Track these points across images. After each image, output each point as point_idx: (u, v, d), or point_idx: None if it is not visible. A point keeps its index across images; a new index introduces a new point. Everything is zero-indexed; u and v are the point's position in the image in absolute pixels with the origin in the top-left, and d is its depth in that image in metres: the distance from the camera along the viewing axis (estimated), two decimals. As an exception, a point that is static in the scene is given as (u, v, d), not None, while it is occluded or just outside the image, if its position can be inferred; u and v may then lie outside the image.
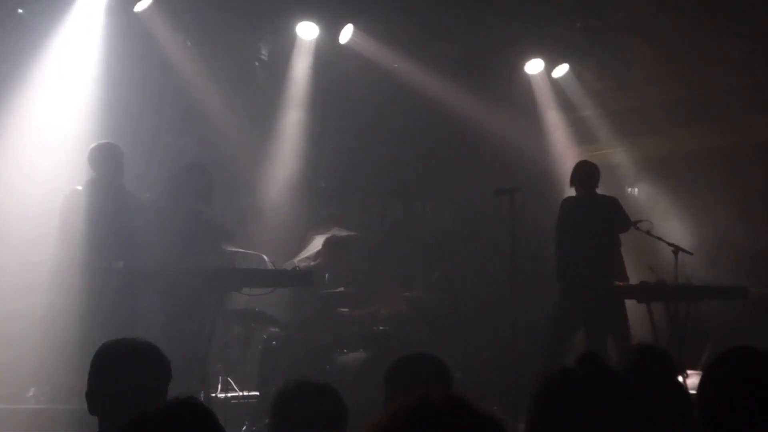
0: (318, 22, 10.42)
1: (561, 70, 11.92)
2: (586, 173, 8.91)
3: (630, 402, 3.68)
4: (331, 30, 10.54)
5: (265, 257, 9.40)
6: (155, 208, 8.39)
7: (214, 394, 7.96)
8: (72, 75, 9.36)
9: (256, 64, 10.57)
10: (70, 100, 9.30)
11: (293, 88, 10.97)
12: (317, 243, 9.97)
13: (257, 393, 8.63)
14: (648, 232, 9.26)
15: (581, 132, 12.84)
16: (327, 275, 9.47)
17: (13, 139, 8.97)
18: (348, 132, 11.41)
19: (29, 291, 8.64)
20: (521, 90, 12.12)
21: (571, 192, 9.12)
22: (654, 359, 4.22)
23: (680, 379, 4.35)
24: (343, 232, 10.37)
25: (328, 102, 11.21)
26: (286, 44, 10.65)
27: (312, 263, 9.77)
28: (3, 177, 8.83)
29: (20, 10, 9.04)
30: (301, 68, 10.90)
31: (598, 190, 9.06)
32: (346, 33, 10.61)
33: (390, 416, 2.00)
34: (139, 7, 9.34)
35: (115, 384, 3.46)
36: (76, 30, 9.35)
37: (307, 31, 10.50)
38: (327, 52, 10.81)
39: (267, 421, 3.63)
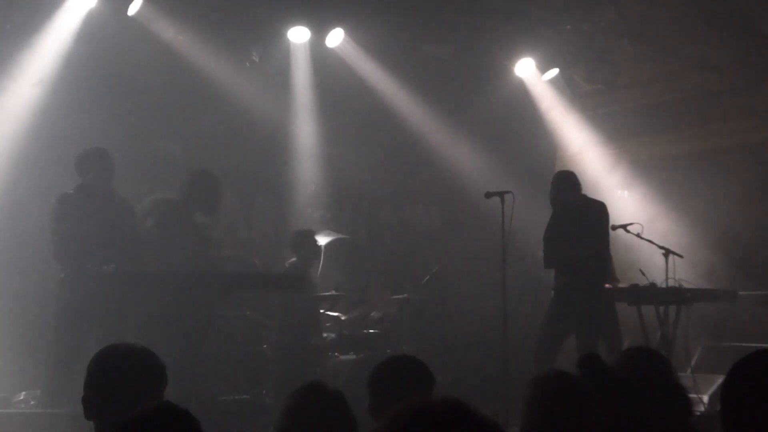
0: (309, 26, 10.42)
1: (551, 73, 11.94)
2: (570, 182, 8.87)
3: (630, 404, 3.68)
4: (321, 34, 10.55)
5: (257, 261, 9.41)
6: (164, 209, 8.32)
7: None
8: (57, 78, 9.35)
9: (247, 65, 10.56)
10: (54, 104, 9.29)
11: (283, 92, 10.96)
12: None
13: (247, 396, 8.61)
14: (638, 235, 9.28)
15: (570, 134, 12.86)
16: (316, 278, 9.48)
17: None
18: (338, 135, 11.40)
19: (19, 294, 8.65)
20: (511, 92, 12.14)
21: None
22: (650, 361, 4.22)
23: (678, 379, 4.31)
24: (334, 235, 10.37)
25: (319, 105, 11.21)
26: (276, 47, 10.64)
27: (289, 261, 9.75)
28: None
29: (8, 26, 9.03)
30: (292, 72, 10.90)
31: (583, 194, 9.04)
32: (336, 37, 10.61)
33: (391, 422, 2.00)
34: (132, 11, 9.32)
35: (111, 390, 3.45)
36: (62, 35, 9.34)
37: (299, 35, 10.50)
38: (318, 57, 10.82)
39: (278, 423, 3.59)
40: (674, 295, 8.76)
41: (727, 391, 3.01)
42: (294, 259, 9.45)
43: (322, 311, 9.48)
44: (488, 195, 8.44)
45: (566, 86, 12.42)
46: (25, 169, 9.04)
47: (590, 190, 9.16)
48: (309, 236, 9.65)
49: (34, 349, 8.00)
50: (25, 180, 9.03)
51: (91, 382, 3.54)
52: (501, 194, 8.36)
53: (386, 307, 10.00)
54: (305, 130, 11.21)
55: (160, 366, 3.59)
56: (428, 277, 10.57)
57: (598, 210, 8.82)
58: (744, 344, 9.10)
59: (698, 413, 8.02)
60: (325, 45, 10.69)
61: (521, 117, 12.41)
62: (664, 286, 8.90)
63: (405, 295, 10.10)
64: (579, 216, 8.67)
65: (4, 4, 9.03)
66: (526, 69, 11.89)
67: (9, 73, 9.13)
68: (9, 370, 8.28)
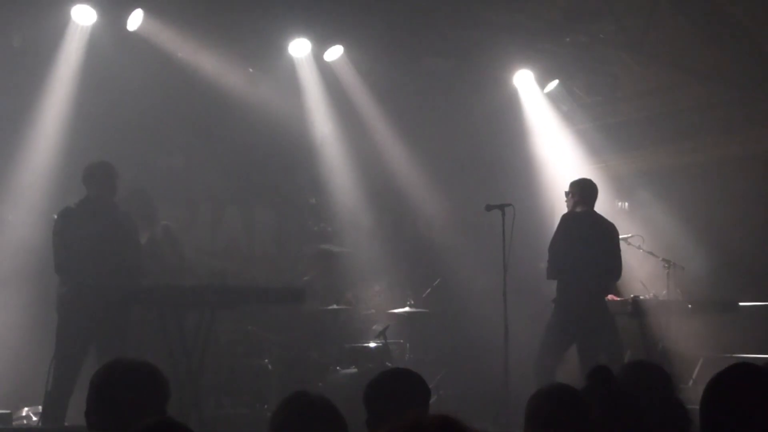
0: (310, 39, 10.42)
1: (551, 85, 11.96)
2: (587, 191, 8.85)
3: (635, 420, 3.68)
4: (322, 47, 10.55)
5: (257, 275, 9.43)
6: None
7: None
8: (62, 94, 9.41)
9: (250, 70, 10.59)
10: (58, 119, 9.34)
11: (284, 106, 10.97)
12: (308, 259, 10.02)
13: (249, 410, 8.61)
14: (639, 247, 9.28)
15: (571, 146, 12.87)
16: (321, 291, 9.50)
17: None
18: (337, 148, 11.42)
19: (22, 308, 8.66)
20: (510, 105, 12.16)
21: (564, 207, 9.09)
22: (650, 375, 4.23)
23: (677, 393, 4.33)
24: (335, 249, 10.38)
25: (319, 119, 11.24)
26: (278, 60, 10.65)
27: (304, 279, 9.80)
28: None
29: (15, 45, 9.11)
30: (292, 86, 10.92)
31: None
32: (334, 52, 10.62)
33: None
34: (132, 26, 9.34)
35: (114, 405, 3.45)
36: (68, 52, 9.39)
37: (300, 47, 10.49)
38: (318, 71, 10.84)
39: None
40: (675, 307, 8.77)
41: (706, 407, 3.07)
42: (307, 277, 9.55)
43: (323, 325, 9.49)
44: (489, 208, 8.44)
45: (566, 98, 12.44)
46: (30, 183, 9.09)
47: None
48: (335, 261, 9.83)
49: (36, 364, 7.99)
50: (28, 194, 9.06)
51: (94, 396, 3.53)
52: (501, 207, 8.36)
53: (387, 320, 10.00)
54: (305, 144, 11.22)
55: (163, 380, 3.59)
56: (429, 290, 10.57)
57: (609, 230, 8.80)
58: (745, 355, 9.10)
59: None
60: (323, 58, 10.71)
61: (521, 129, 12.42)
62: (665, 297, 8.91)
63: (406, 308, 10.09)
64: (586, 230, 8.65)
65: (10, 21, 9.09)
66: (524, 81, 11.90)
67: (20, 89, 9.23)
68: (12, 385, 8.28)
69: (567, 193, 8.92)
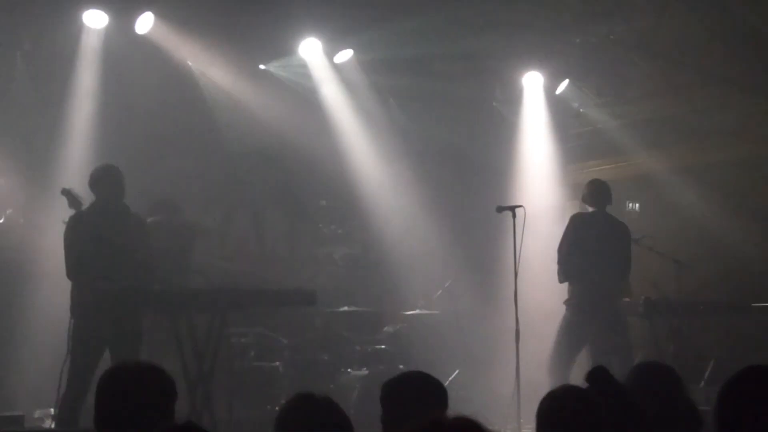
0: (321, 39, 10.43)
1: (561, 86, 11.94)
2: (601, 192, 8.86)
3: (639, 418, 3.68)
4: (333, 48, 10.56)
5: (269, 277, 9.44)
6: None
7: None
8: (83, 98, 9.47)
9: (261, 66, 10.62)
10: (82, 122, 9.41)
11: (294, 107, 10.98)
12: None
13: (260, 413, 8.61)
14: (650, 248, 9.26)
15: (581, 147, 12.85)
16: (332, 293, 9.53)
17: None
18: (347, 149, 11.42)
19: (35, 312, 8.70)
20: (519, 108, 12.16)
21: (575, 208, 9.10)
22: (662, 376, 4.22)
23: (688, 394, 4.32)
24: (345, 250, 10.39)
25: (329, 120, 11.25)
26: (288, 61, 10.66)
27: (315, 281, 9.82)
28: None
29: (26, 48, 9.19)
30: (303, 87, 10.93)
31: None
32: (344, 55, 10.63)
33: None
34: (141, 29, 9.35)
35: (122, 407, 3.44)
36: (83, 58, 9.44)
37: (310, 48, 10.49)
38: (330, 72, 10.84)
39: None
40: (687, 308, 8.74)
41: (721, 410, 3.04)
42: (319, 279, 9.62)
43: (334, 327, 9.49)
44: (500, 209, 8.45)
45: (577, 99, 12.43)
46: (40, 188, 9.13)
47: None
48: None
49: (50, 367, 8.01)
50: (40, 199, 9.09)
51: (101, 400, 3.52)
52: (512, 208, 8.36)
53: (398, 323, 9.99)
54: (316, 145, 11.22)
55: (170, 382, 3.56)
56: (440, 291, 10.56)
57: (621, 230, 8.82)
58: (758, 356, 9.06)
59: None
60: (333, 61, 10.72)
61: (530, 130, 12.41)
62: (676, 298, 8.89)
63: (417, 309, 10.09)
64: (596, 230, 8.66)
65: (21, 25, 9.13)
66: (534, 82, 11.89)
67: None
68: (25, 388, 8.30)
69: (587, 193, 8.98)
